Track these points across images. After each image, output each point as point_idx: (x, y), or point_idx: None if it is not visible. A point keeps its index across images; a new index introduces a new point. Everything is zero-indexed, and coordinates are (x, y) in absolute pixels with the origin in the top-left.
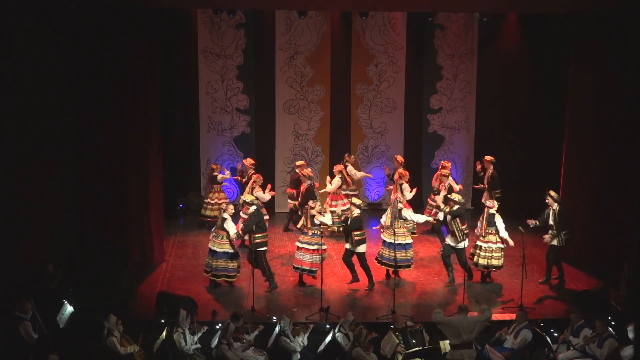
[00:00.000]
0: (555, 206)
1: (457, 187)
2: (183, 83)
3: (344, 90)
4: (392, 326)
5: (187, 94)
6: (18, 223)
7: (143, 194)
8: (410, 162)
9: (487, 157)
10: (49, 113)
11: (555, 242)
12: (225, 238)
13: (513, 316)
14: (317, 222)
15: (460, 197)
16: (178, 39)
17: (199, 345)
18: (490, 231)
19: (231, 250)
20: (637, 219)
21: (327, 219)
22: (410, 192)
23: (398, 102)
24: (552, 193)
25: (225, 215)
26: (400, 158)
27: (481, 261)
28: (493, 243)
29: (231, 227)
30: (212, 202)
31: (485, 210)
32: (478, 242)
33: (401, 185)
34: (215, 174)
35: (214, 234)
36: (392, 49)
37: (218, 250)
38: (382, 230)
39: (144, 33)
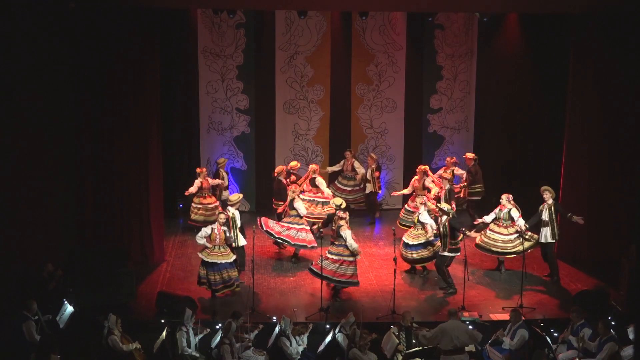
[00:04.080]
0: (551, 201)
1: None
2: (183, 83)
3: (344, 90)
4: (392, 326)
5: (187, 94)
6: (18, 223)
7: (143, 194)
8: (410, 163)
9: (469, 155)
10: (49, 113)
11: (551, 239)
12: (226, 248)
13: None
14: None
15: (448, 206)
16: (178, 39)
17: (197, 354)
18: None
19: (234, 257)
20: (637, 219)
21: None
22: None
23: (398, 102)
24: (549, 189)
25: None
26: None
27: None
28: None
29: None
30: (206, 205)
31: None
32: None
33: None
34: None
35: (209, 246)
36: (392, 49)
37: (221, 262)
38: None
39: (144, 33)
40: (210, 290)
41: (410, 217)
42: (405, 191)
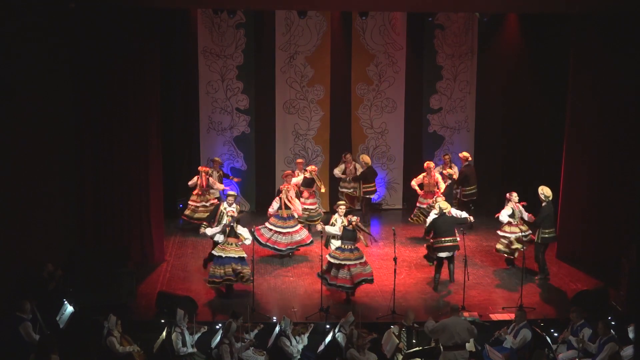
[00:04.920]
0: (544, 204)
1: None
2: (183, 83)
3: (344, 90)
4: (392, 326)
5: (187, 94)
6: (18, 223)
7: (143, 194)
8: (410, 163)
9: (461, 154)
10: (49, 113)
11: (537, 239)
12: (235, 245)
13: (512, 316)
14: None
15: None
16: (178, 39)
17: (195, 350)
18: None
19: (244, 255)
20: (637, 219)
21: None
22: None
23: (398, 102)
24: (541, 190)
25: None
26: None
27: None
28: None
29: (243, 231)
30: (207, 204)
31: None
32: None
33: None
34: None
35: (222, 241)
36: (392, 49)
37: (235, 256)
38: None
39: (144, 33)
40: (223, 288)
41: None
42: (415, 185)
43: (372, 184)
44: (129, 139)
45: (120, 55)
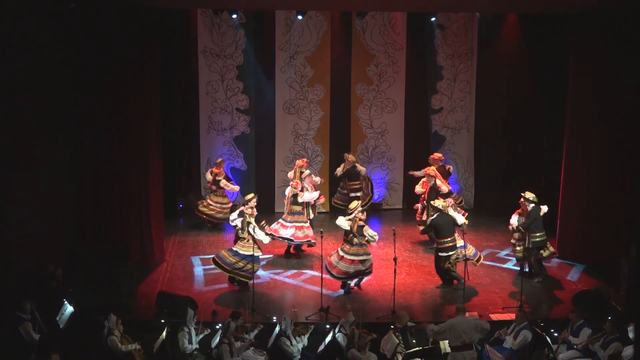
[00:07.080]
0: (532, 206)
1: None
2: (183, 83)
3: (344, 90)
4: (392, 326)
5: (187, 94)
6: (18, 223)
7: (143, 194)
8: (410, 163)
9: (434, 155)
10: (49, 113)
11: (525, 244)
12: (250, 241)
13: (513, 316)
14: (365, 233)
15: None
16: (178, 39)
17: (197, 346)
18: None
19: (257, 253)
20: (637, 219)
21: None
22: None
23: (398, 102)
24: (527, 195)
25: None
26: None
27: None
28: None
29: (261, 235)
30: (213, 203)
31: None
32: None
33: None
34: (219, 178)
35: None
36: (392, 49)
37: (243, 252)
38: None
39: (144, 33)
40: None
41: None
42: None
43: (357, 182)
44: (129, 139)
45: (120, 55)
